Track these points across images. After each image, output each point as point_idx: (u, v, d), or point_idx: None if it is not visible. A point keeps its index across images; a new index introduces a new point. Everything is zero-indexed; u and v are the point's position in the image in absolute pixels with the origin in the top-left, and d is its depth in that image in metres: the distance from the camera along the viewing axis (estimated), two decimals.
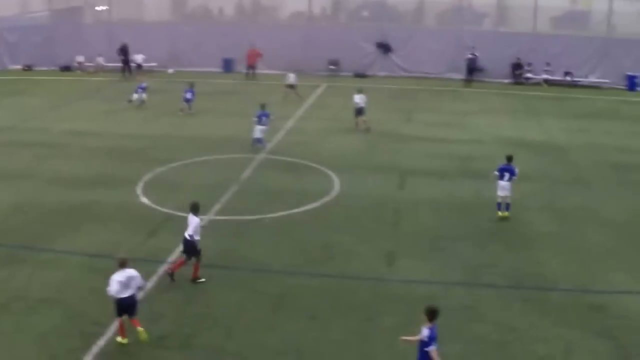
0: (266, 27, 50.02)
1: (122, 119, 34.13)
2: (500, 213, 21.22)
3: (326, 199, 22.78)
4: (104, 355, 13.71)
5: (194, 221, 16.61)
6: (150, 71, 46.98)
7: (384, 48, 47.65)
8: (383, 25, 48.28)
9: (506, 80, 46.09)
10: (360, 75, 46.82)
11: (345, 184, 24.29)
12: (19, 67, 49.25)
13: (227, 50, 47.67)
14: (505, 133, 32.18)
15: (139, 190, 23.28)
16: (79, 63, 48.89)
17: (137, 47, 46.75)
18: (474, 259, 18.52)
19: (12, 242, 19.12)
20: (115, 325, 14.22)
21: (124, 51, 46.41)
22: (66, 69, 48.89)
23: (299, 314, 15.52)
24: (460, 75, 45.71)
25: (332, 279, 17.24)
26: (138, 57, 47.11)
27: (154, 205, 21.88)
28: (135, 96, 36.69)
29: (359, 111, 31.93)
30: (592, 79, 45.37)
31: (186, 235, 16.60)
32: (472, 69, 45.09)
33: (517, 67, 45.77)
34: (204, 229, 17.44)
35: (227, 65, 48.12)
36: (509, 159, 21.49)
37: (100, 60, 48.33)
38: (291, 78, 38.58)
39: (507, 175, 21.08)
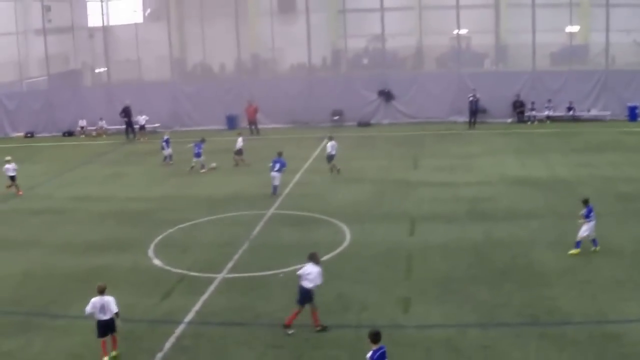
0: (267, 81, 50.40)
1: (127, 182, 34.36)
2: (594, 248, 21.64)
3: (338, 250, 22.82)
4: None
5: (314, 270, 16.99)
6: (153, 132, 47.03)
7: (386, 95, 47.92)
8: (384, 72, 48.64)
9: (509, 120, 46.35)
10: (364, 124, 47.02)
11: (356, 233, 24.35)
12: (20, 134, 49.34)
13: (230, 106, 47.70)
14: (510, 172, 32.30)
15: (150, 252, 23.36)
16: (82, 127, 48.97)
17: (139, 108, 46.35)
18: (487, 299, 18.55)
19: (27, 309, 19.17)
20: None
21: (126, 113, 46.23)
22: (69, 134, 49.06)
23: None
24: (463, 118, 45.87)
25: (349, 329, 17.22)
26: (141, 119, 46.62)
27: (166, 267, 21.94)
28: (166, 152, 37.31)
29: (330, 157, 33.28)
30: (594, 112, 45.62)
31: (304, 285, 16.95)
32: (475, 110, 45.21)
33: (518, 105, 46.03)
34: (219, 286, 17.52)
35: (231, 122, 47.86)
36: (585, 200, 21.71)
37: (102, 123, 48.47)
38: (239, 143, 36.47)
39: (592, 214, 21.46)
